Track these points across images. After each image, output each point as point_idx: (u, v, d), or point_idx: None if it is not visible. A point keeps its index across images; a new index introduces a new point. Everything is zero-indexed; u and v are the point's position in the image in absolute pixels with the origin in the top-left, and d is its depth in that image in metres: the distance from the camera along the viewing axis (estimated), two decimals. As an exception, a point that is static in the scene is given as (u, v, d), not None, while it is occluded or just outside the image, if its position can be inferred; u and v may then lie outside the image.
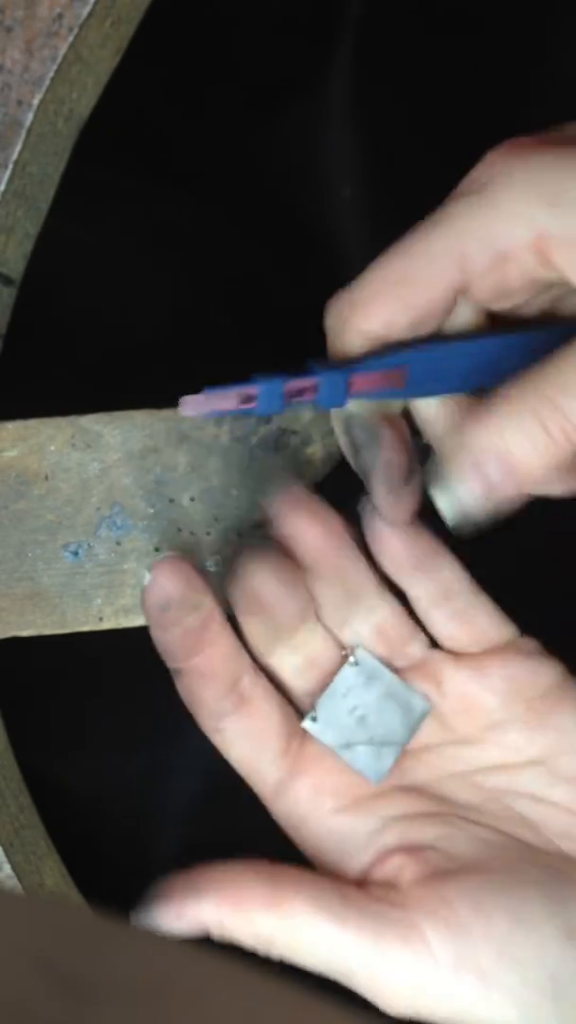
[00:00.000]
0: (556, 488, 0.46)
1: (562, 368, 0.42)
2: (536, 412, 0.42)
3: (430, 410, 0.47)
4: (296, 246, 0.78)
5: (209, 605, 0.48)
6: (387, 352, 0.45)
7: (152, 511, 0.52)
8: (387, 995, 0.45)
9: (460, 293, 0.43)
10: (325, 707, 0.49)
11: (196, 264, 0.77)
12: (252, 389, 0.45)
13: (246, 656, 0.49)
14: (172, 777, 0.70)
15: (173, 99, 0.78)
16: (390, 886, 0.47)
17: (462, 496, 0.43)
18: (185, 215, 0.77)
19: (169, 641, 0.48)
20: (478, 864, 0.48)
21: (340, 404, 0.45)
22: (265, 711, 0.49)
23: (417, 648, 0.50)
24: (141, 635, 0.52)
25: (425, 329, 0.44)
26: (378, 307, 0.44)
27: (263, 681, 0.49)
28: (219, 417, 0.49)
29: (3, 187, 0.51)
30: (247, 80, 0.78)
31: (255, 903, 0.46)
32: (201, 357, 0.76)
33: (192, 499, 0.52)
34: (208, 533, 0.52)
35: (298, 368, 0.46)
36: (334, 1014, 0.23)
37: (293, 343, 0.75)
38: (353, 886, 0.47)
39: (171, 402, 0.52)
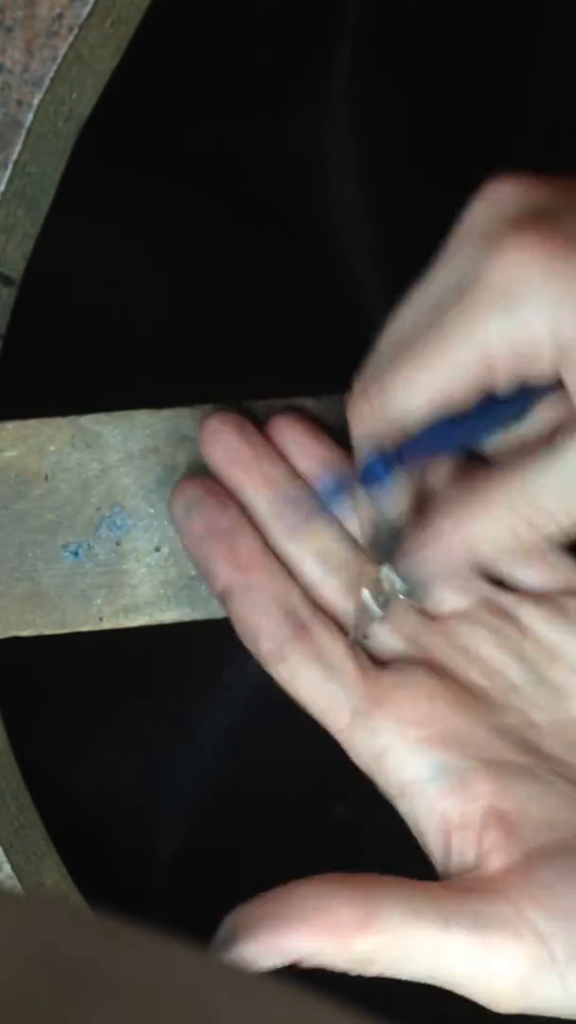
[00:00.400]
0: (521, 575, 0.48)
1: (535, 474, 0.43)
2: (507, 518, 0.43)
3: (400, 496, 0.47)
4: (296, 246, 0.78)
5: (235, 510, 0.48)
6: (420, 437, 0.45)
7: (152, 511, 0.52)
8: (496, 994, 0.43)
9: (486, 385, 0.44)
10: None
11: (196, 264, 0.77)
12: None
13: (294, 583, 0.48)
14: (172, 777, 0.70)
15: (173, 99, 0.78)
16: (477, 875, 0.45)
17: (424, 576, 0.45)
18: (185, 215, 0.77)
19: (204, 553, 0.48)
20: (573, 836, 0.45)
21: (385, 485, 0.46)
22: (329, 634, 0.47)
23: (480, 584, 0.48)
24: (141, 635, 0.52)
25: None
26: (408, 409, 0.44)
27: (319, 611, 0.48)
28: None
29: (3, 187, 0.51)
30: (247, 80, 0.78)
31: (351, 926, 0.42)
32: (201, 357, 0.76)
33: (192, 499, 0.52)
34: (208, 533, 0.52)
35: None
36: (334, 1014, 0.23)
37: (293, 343, 0.75)
38: (436, 885, 0.45)
39: (171, 402, 0.52)
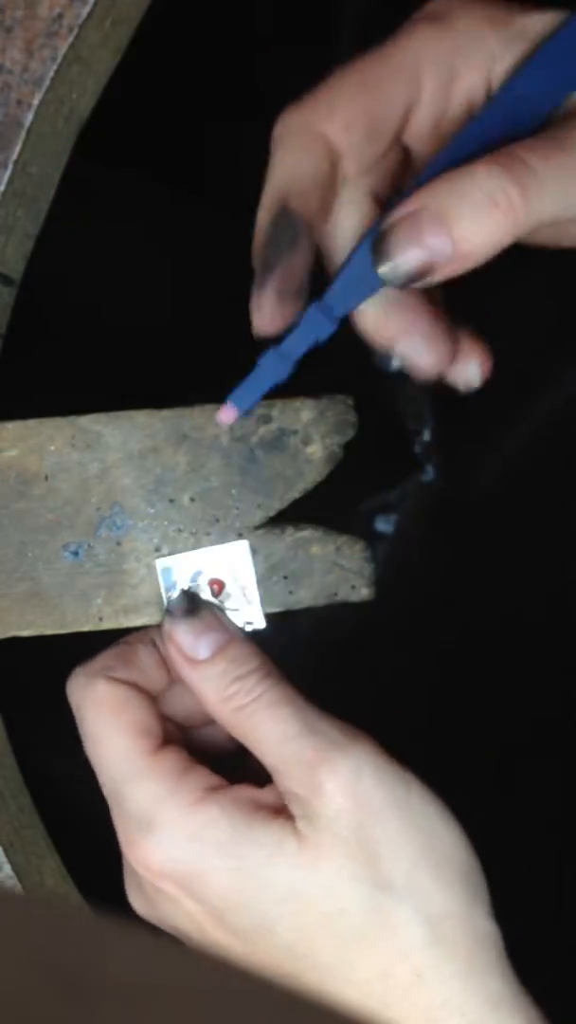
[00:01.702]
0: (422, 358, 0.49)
1: (520, 155, 0.44)
2: (488, 189, 0.43)
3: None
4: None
5: None
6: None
7: (152, 511, 0.52)
8: None
9: (411, 109, 0.47)
10: None
11: (196, 264, 0.77)
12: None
13: None
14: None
15: (173, 99, 0.78)
16: None
17: (399, 262, 0.44)
18: (185, 215, 0.77)
19: None
20: None
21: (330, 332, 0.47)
22: None
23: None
24: (141, 635, 0.52)
25: (378, 141, 0.46)
26: (340, 108, 0.46)
27: None
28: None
29: (3, 187, 0.51)
30: (247, 80, 0.78)
31: None
32: (201, 357, 0.76)
33: (192, 499, 0.52)
34: (208, 533, 0.52)
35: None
36: (333, 1014, 0.23)
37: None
38: None
39: (171, 402, 0.52)
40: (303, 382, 0.50)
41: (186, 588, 0.51)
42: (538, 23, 0.46)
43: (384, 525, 0.83)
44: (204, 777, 0.48)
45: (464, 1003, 0.45)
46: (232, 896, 0.46)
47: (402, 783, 0.46)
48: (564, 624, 0.81)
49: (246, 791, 0.48)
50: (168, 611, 0.50)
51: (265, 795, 0.47)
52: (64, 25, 0.49)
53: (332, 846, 0.45)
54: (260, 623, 0.51)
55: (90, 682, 0.49)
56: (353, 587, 0.53)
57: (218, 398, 0.52)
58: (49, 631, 0.52)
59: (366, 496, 0.85)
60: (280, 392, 0.52)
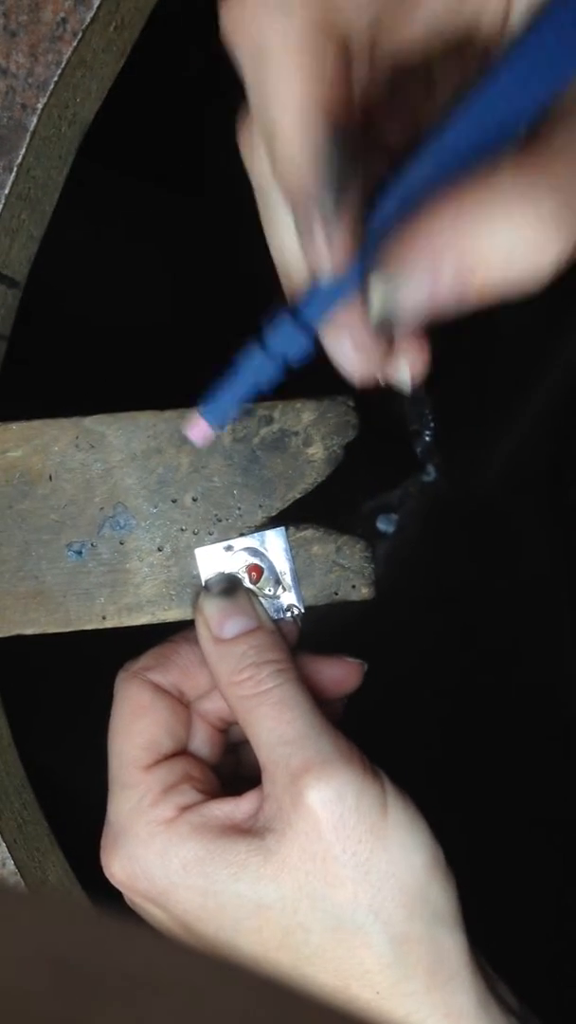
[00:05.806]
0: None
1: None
2: (533, 212, 0.34)
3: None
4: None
5: None
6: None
7: (155, 511, 0.52)
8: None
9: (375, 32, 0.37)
10: None
11: (199, 265, 0.78)
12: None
13: None
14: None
15: (176, 103, 0.78)
16: None
17: (403, 291, 0.36)
18: (188, 217, 0.77)
19: None
20: None
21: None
22: None
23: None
24: (144, 634, 0.53)
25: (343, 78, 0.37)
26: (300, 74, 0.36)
27: None
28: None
29: (7, 190, 0.51)
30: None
31: None
32: (204, 358, 0.76)
33: (194, 499, 0.52)
34: (210, 533, 0.52)
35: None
36: (332, 1014, 0.23)
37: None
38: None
39: (174, 403, 0.52)
40: (304, 383, 0.51)
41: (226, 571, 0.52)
42: None
43: (386, 525, 0.83)
44: (184, 796, 0.49)
45: (427, 1017, 0.46)
46: (196, 911, 0.47)
47: (379, 809, 0.47)
48: (565, 624, 0.81)
49: (220, 807, 0.48)
50: (205, 586, 0.51)
51: (239, 808, 0.48)
52: (68, 30, 0.50)
53: (297, 862, 0.46)
54: (300, 607, 0.52)
55: (125, 680, 0.51)
56: (353, 587, 0.53)
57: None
58: (52, 630, 0.52)
59: (368, 496, 0.85)
60: (281, 393, 0.52)
